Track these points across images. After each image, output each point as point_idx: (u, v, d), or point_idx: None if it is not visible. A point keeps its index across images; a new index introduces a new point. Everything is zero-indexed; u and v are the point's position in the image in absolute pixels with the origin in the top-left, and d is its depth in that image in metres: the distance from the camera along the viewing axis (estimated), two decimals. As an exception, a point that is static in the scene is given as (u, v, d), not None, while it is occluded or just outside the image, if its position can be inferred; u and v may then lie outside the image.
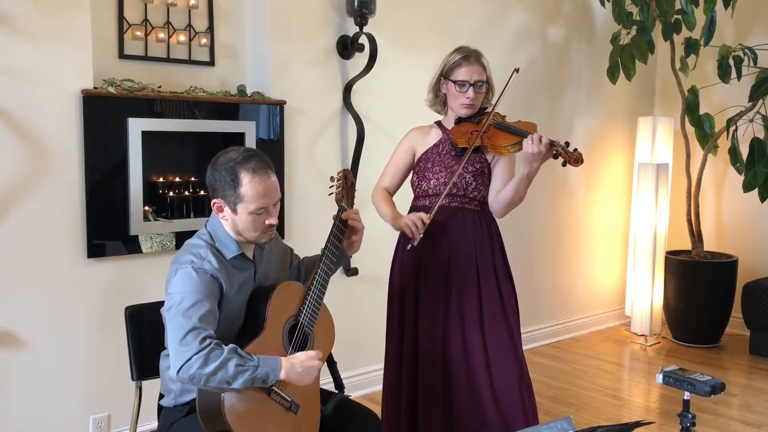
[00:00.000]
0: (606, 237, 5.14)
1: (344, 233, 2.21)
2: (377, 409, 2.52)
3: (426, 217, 2.45)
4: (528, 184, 2.46)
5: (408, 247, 2.51)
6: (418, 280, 2.60)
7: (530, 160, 2.36)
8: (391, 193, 2.72)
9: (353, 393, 3.44)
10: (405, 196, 2.74)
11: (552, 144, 2.35)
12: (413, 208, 2.65)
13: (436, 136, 2.65)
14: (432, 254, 2.56)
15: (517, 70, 2.55)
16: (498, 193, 2.54)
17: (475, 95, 2.54)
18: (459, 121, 2.60)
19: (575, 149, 2.34)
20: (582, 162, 2.32)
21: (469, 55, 2.55)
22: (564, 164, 2.37)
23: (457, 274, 2.54)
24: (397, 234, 2.69)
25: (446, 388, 2.55)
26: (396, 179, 2.71)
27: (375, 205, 2.70)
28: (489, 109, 2.60)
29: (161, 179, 3.08)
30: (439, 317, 2.55)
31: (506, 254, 2.65)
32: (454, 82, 2.55)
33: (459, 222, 2.55)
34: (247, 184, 1.93)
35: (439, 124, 2.68)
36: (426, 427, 2.56)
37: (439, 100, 2.66)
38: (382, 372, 2.75)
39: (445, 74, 2.58)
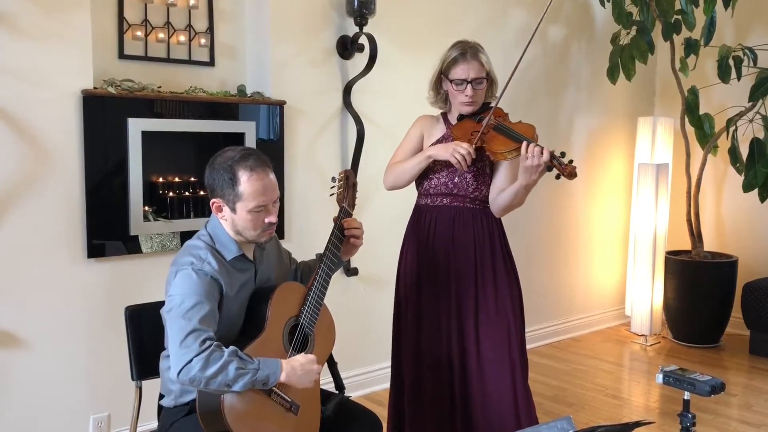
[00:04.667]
0: (606, 237, 5.14)
1: (345, 234, 2.21)
2: (378, 410, 2.52)
3: (472, 149, 2.39)
4: (527, 193, 2.42)
5: (455, 179, 2.49)
6: (419, 280, 2.59)
7: (529, 172, 2.30)
8: None
9: (353, 393, 3.44)
10: (405, 195, 2.74)
11: (552, 157, 2.28)
12: (417, 208, 2.64)
13: (440, 130, 2.61)
14: (433, 255, 2.56)
15: None
16: (498, 195, 2.51)
17: (474, 93, 2.48)
18: (461, 117, 2.55)
19: (570, 161, 2.27)
20: (576, 176, 2.25)
21: (465, 52, 2.48)
22: (557, 177, 2.31)
23: (455, 276, 2.53)
24: (400, 231, 2.68)
25: (445, 390, 2.53)
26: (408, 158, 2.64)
27: (392, 175, 2.60)
28: (492, 104, 2.54)
29: (161, 179, 3.08)
30: (438, 318, 2.54)
31: (511, 255, 2.61)
32: (452, 81, 2.50)
33: (460, 222, 2.53)
34: (245, 182, 1.93)
35: (444, 116, 2.65)
36: (427, 428, 2.56)
37: (441, 97, 2.62)
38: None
39: (443, 71, 2.54)
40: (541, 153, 2.26)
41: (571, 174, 2.25)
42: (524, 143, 2.29)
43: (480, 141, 2.43)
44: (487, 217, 2.56)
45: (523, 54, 2.49)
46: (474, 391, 2.49)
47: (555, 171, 2.29)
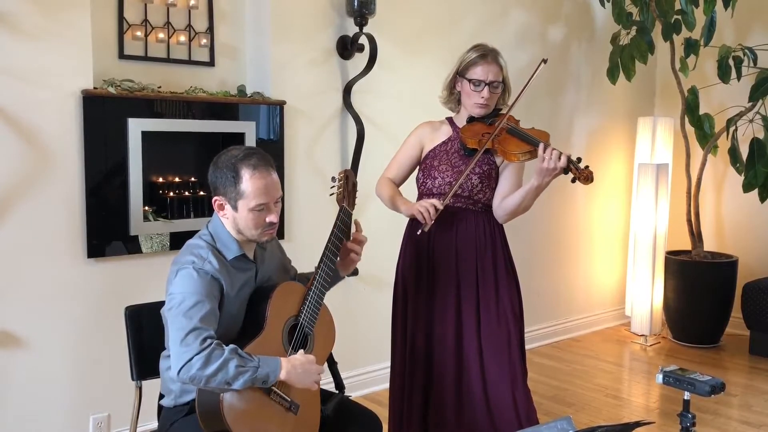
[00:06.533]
0: (606, 237, 5.14)
1: (345, 233, 2.21)
2: (378, 410, 2.52)
3: (439, 203, 2.40)
4: (536, 195, 2.42)
5: (418, 233, 2.46)
6: (418, 280, 2.59)
7: (543, 174, 2.32)
8: (396, 184, 2.66)
9: (353, 393, 3.43)
10: (407, 195, 2.74)
11: (569, 161, 2.30)
12: None
13: (445, 133, 2.61)
14: (434, 255, 2.55)
15: (544, 61, 2.49)
16: (503, 200, 2.51)
17: (489, 95, 2.49)
18: (471, 120, 2.55)
19: (586, 166, 2.29)
20: (592, 180, 2.27)
21: (486, 54, 2.50)
22: (573, 181, 2.32)
23: (456, 278, 2.52)
24: (401, 232, 2.68)
25: (443, 390, 2.53)
26: (401, 173, 2.66)
27: (380, 195, 2.65)
28: (504, 111, 2.55)
29: (161, 179, 3.08)
30: (435, 320, 2.54)
31: (512, 259, 2.61)
32: (470, 80, 2.50)
33: (462, 224, 2.52)
34: (248, 180, 1.93)
35: (450, 120, 2.64)
36: (433, 424, 2.55)
37: (454, 98, 2.62)
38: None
39: (460, 72, 2.54)
40: (559, 157, 2.28)
41: (588, 178, 2.28)
42: (542, 145, 2.32)
43: (491, 142, 2.44)
44: (490, 221, 2.56)
45: (533, 76, 2.50)
46: (474, 393, 2.49)
47: (571, 175, 2.31)
